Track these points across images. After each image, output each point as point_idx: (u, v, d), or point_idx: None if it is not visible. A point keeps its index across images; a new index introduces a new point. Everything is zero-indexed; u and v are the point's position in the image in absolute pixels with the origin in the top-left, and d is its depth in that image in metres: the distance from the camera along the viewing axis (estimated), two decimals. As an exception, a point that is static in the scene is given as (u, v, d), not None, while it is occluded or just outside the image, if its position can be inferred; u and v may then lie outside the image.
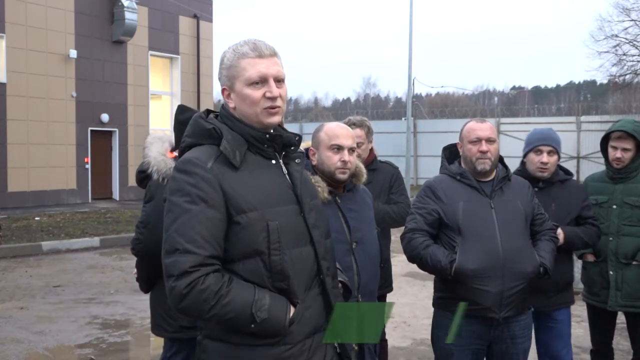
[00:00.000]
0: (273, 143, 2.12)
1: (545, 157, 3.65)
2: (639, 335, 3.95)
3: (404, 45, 36.06)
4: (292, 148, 2.17)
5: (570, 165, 21.47)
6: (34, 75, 17.65)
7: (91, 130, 19.24)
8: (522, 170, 3.75)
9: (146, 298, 3.87)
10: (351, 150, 2.93)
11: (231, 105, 2.12)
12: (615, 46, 25.24)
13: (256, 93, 2.06)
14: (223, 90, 2.14)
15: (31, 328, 6.30)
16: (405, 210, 3.92)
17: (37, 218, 14.56)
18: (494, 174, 3.22)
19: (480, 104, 62.69)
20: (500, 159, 3.26)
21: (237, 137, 2.07)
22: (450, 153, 3.39)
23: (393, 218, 4.01)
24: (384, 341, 4.23)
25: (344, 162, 2.89)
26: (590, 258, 3.96)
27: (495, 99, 70.17)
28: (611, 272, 3.84)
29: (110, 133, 19.98)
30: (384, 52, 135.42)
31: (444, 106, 42.99)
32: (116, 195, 20.13)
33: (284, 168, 2.15)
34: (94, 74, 19.17)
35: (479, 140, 3.15)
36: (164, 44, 21.24)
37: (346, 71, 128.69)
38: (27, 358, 5.50)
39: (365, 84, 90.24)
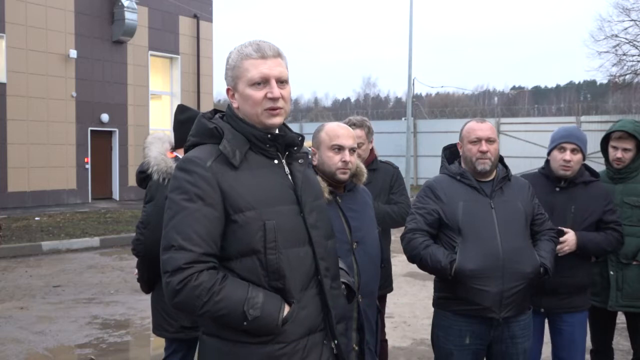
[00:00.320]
0: (275, 143, 2.13)
1: (568, 155, 3.55)
2: (639, 336, 3.95)
3: (404, 45, 36.08)
4: (295, 148, 2.18)
5: (570, 165, 21.36)
6: (34, 75, 17.65)
7: (91, 130, 19.24)
8: (546, 169, 3.67)
9: (146, 298, 3.87)
10: (352, 150, 2.93)
11: (235, 105, 2.15)
12: (615, 46, 25.25)
13: (258, 94, 2.08)
14: (228, 90, 2.17)
15: (31, 328, 6.30)
16: (406, 211, 3.91)
17: (37, 218, 14.56)
18: (494, 174, 3.22)
19: (480, 104, 62.69)
20: (500, 159, 3.26)
21: (239, 137, 2.09)
22: (451, 153, 3.39)
23: (393, 218, 4.01)
24: (384, 341, 4.23)
25: (345, 162, 2.89)
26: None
27: (495, 99, 70.13)
28: (611, 272, 3.84)
29: (110, 133, 19.98)
30: (384, 52, 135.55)
31: (444, 106, 42.99)
32: (116, 195, 20.13)
33: (286, 168, 2.15)
34: (94, 74, 19.17)
35: (479, 140, 3.15)
36: (164, 44, 21.24)
37: (346, 71, 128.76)
38: (27, 358, 5.50)
39: (365, 84, 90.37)
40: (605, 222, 3.61)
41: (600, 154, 4.15)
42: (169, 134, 3.86)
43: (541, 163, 3.94)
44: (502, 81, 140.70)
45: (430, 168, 24.80)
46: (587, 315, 3.72)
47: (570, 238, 3.47)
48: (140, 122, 20.44)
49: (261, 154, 2.12)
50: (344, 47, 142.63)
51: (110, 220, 14.35)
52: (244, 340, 2.01)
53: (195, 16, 22.16)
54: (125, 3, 19.20)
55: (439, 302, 3.24)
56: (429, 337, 3.44)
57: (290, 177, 2.14)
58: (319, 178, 2.84)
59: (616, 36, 25.15)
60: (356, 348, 2.82)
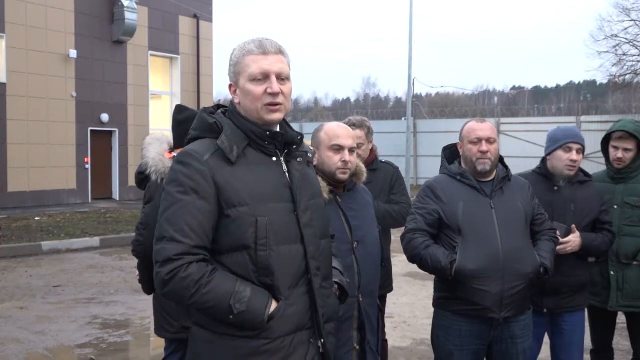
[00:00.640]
0: (274, 140, 2.14)
1: (574, 155, 3.55)
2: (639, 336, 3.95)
3: (404, 45, 36.08)
4: (294, 146, 2.19)
5: (570, 165, 21.36)
6: (34, 75, 17.65)
7: (91, 130, 19.24)
8: (542, 168, 3.66)
9: (146, 298, 3.87)
10: (351, 150, 2.93)
11: (236, 101, 2.18)
12: (615, 46, 25.23)
13: (258, 89, 2.11)
14: (230, 86, 2.20)
15: (31, 328, 6.30)
16: (407, 211, 3.91)
17: (37, 218, 14.56)
18: (494, 174, 3.22)
19: (480, 104, 62.71)
20: (500, 159, 3.26)
21: (238, 133, 2.11)
22: (451, 153, 3.38)
23: (394, 217, 4.00)
24: (384, 341, 4.22)
25: (345, 162, 2.89)
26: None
27: (495, 99, 70.14)
28: (612, 273, 3.84)
29: (110, 133, 19.98)
30: (384, 52, 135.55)
31: (444, 106, 42.97)
32: (116, 195, 20.13)
33: (284, 166, 2.17)
34: (94, 74, 19.17)
35: (479, 141, 3.15)
36: (164, 44, 21.24)
37: (346, 71, 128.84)
38: (27, 358, 5.49)
39: (365, 84, 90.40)
40: (601, 222, 3.65)
41: (600, 154, 4.14)
42: (168, 135, 3.85)
43: (541, 163, 3.94)
44: (502, 81, 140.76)
45: (430, 168, 24.79)
46: (585, 314, 3.73)
47: (575, 239, 3.48)
48: (140, 122, 20.44)
49: (260, 150, 2.13)
50: (344, 47, 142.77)
51: (110, 220, 14.35)
52: (230, 334, 2.04)
53: (195, 16, 22.15)
54: (125, 3, 19.20)
55: (439, 302, 3.24)
56: (429, 337, 3.44)
57: (287, 175, 2.15)
58: (319, 178, 2.84)
59: (616, 36, 25.15)
60: (357, 347, 2.82)
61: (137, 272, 3.75)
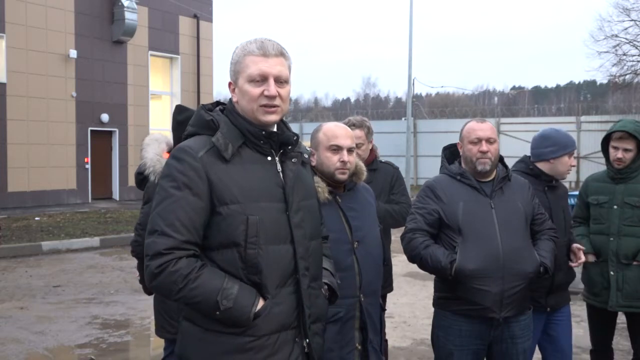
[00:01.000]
0: (270, 140, 2.15)
1: (573, 161, 3.75)
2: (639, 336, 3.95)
3: (404, 45, 36.07)
4: (289, 147, 2.20)
5: (570, 165, 21.37)
6: (34, 75, 17.65)
7: (91, 130, 19.24)
8: (535, 169, 3.66)
9: (146, 298, 3.87)
10: (350, 150, 2.92)
11: (234, 99, 2.20)
12: (615, 46, 25.25)
13: (255, 90, 2.12)
14: (229, 84, 2.21)
15: (31, 328, 6.30)
16: (407, 211, 3.91)
17: (37, 218, 14.56)
18: (494, 174, 3.22)
19: (480, 104, 62.70)
20: (501, 159, 3.26)
21: (234, 131, 2.13)
22: (451, 153, 3.38)
23: (394, 217, 4.00)
24: (384, 341, 4.23)
25: (343, 162, 2.88)
26: (591, 258, 3.96)
27: (495, 99, 70.13)
28: (612, 273, 3.84)
29: (110, 133, 19.98)
30: (384, 52, 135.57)
31: (444, 106, 42.96)
32: (116, 195, 20.13)
33: (278, 166, 2.18)
34: (94, 74, 19.17)
35: (479, 141, 3.15)
36: (164, 44, 21.24)
37: (346, 71, 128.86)
38: (27, 358, 5.50)
39: (365, 84, 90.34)
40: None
41: (600, 154, 4.15)
42: (168, 135, 3.85)
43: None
44: (502, 81, 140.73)
45: (430, 168, 24.80)
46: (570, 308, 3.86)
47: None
48: (140, 122, 20.44)
49: (255, 149, 2.14)
50: (344, 47, 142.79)
51: (110, 220, 14.35)
52: (216, 329, 2.07)
53: (195, 16, 22.16)
54: (125, 3, 19.20)
55: (439, 302, 3.24)
56: (429, 337, 3.44)
57: (281, 175, 2.16)
58: (318, 178, 2.84)
59: (616, 36, 25.16)
60: (359, 347, 2.81)
61: (137, 273, 3.75)
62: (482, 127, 3.18)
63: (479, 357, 3.17)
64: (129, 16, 19.33)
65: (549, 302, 3.56)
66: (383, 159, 4.31)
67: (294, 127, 31.37)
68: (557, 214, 3.57)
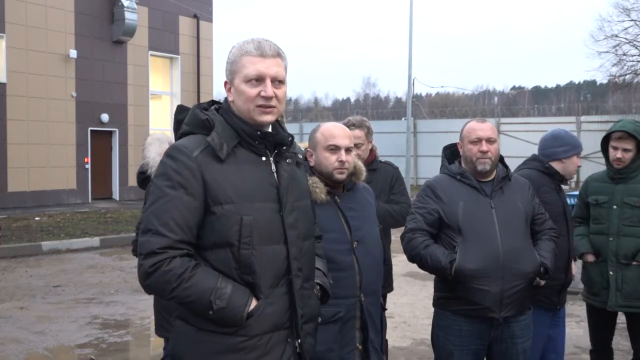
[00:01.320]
0: (265, 140, 2.15)
1: (579, 161, 3.87)
2: (639, 336, 3.96)
3: (404, 45, 36.05)
4: (284, 147, 2.21)
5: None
6: (34, 75, 17.65)
7: (91, 130, 19.24)
8: (550, 168, 3.72)
9: (146, 298, 3.87)
10: (348, 150, 2.92)
11: (230, 98, 2.19)
12: (615, 46, 25.26)
13: (251, 90, 2.12)
14: (225, 84, 2.21)
15: (31, 328, 6.30)
16: (407, 211, 3.91)
17: (37, 218, 14.56)
18: (494, 174, 3.22)
19: (480, 104, 62.70)
20: (501, 159, 3.26)
21: (229, 130, 2.13)
22: (451, 153, 3.39)
23: (394, 217, 4.00)
24: (384, 341, 4.23)
25: (342, 162, 2.88)
26: (591, 258, 3.97)
27: (495, 99, 70.11)
28: (611, 273, 3.85)
29: (110, 133, 19.98)
30: (384, 52, 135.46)
31: (444, 106, 42.97)
32: (116, 195, 20.12)
33: (273, 166, 2.18)
34: (94, 74, 19.16)
35: (479, 140, 3.15)
36: (164, 44, 21.23)
37: (346, 71, 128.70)
38: (27, 358, 5.50)
39: (365, 84, 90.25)
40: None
41: (600, 154, 4.17)
42: (169, 135, 3.86)
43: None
44: (502, 81, 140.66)
45: (430, 168, 24.80)
46: None
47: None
48: (140, 122, 20.44)
49: (250, 149, 2.15)
50: (344, 47, 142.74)
51: (110, 220, 14.35)
52: (209, 329, 2.07)
53: (195, 16, 22.15)
54: (125, 3, 19.20)
55: (439, 302, 3.24)
56: (429, 337, 3.44)
57: (275, 176, 2.17)
58: (316, 179, 2.84)
59: (616, 36, 25.17)
60: (360, 347, 2.81)
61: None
62: (483, 127, 3.18)
63: (479, 357, 3.18)
64: (129, 16, 19.32)
65: (560, 299, 3.63)
66: (383, 159, 4.31)
67: (294, 127, 31.44)
68: (568, 212, 3.70)
